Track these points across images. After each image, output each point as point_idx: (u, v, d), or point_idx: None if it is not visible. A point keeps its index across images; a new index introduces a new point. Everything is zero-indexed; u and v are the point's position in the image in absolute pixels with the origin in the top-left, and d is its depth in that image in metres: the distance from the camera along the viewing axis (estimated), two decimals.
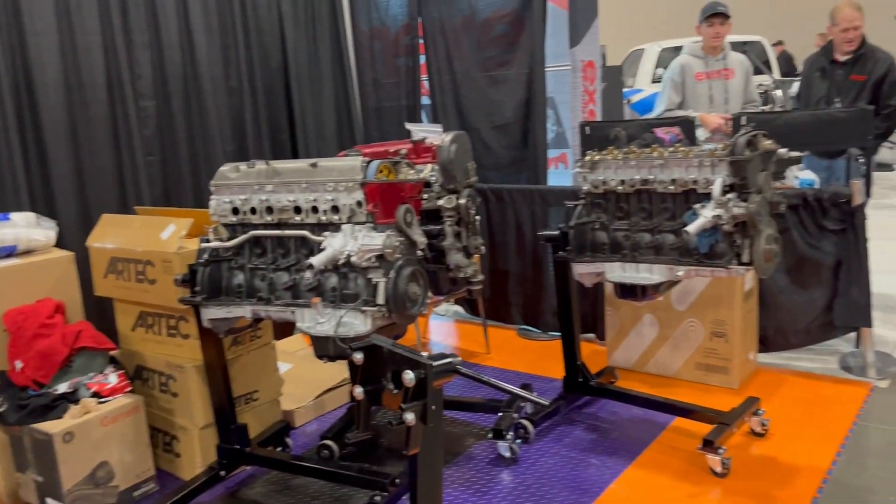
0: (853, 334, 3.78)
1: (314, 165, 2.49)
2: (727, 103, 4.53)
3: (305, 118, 4.83)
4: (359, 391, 1.96)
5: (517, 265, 4.51)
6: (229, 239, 2.64)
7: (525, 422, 3.17)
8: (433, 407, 1.81)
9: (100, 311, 3.39)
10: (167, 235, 2.96)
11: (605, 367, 3.71)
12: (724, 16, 4.43)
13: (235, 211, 2.65)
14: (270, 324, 3.23)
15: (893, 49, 4.37)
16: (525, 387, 3.37)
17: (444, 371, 1.81)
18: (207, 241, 2.64)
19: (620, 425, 3.30)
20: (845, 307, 3.59)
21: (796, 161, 2.95)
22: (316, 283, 2.44)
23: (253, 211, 2.61)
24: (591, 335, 4.26)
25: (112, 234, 3.19)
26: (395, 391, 1.85)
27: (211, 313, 2.67)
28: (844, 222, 3.54)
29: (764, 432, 3.10)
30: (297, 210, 2.52)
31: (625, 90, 9.70)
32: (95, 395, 2.84)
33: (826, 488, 2.72)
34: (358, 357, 1.94)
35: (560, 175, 5.12)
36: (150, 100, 4.00)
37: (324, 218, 2.47)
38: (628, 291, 2.99)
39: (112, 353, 3.02)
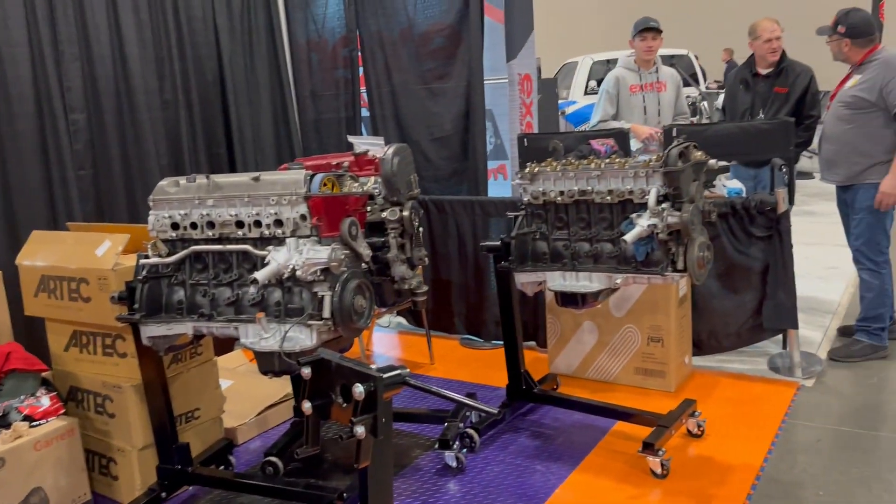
0: (781, 336, 3.95)
1: (257, 179, 2.47)
2: (660, 115, 4.71)
3: (243, 131, 4.78)
4: (307, 406, 1.95)
5: (459, 275, 4.55)
6: (169, 255, 2.59)
7: (471, 431, 3.20)
8: (383, 419, 1.81)
9: (30, 332, 3.27)
10: (102, 252, 2.87)
11: (547, 374, 3.77)
12: (656, 30, 4.61)
13: (175, 226, 2.60)
14: (211, 340, 3.17)
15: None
16: (470, 396, 3.41)
17: (394, 383, 1.83)
18: (146, 257, 2.58)
19: (563, 431, 3.37)
20: (773, 310, 3.75)
21: (725, 170, 3.08)
22: (260, 298, 2.42)
23: (193, 226, 2.57)
24: (533, 343, 4.33)
25: (43, 252, 3.08)
26: (345, 405, 1.85)
27: (150, 331, 2.61)
28: (770, 229, 3.71)
29: (700, 433, 3.21)
30: (240, 224, 2.49)
31: (559, 102, 9.93)
32: (27, 418, 2.74)
33: (759, 485, 2.84)
34: (306, 372, 1.93)
35: (500, 186, 5.20)
36: (80, 113, 3.89)
37: (267, 232, 2.45)
38: (569, 300, 3.06)
39: (44, 374, 2.91)
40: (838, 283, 5.22)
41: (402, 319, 4.93)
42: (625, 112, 4.73)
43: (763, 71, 4.57)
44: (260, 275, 2.30)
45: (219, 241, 2.55)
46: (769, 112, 4.49)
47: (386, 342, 4.82)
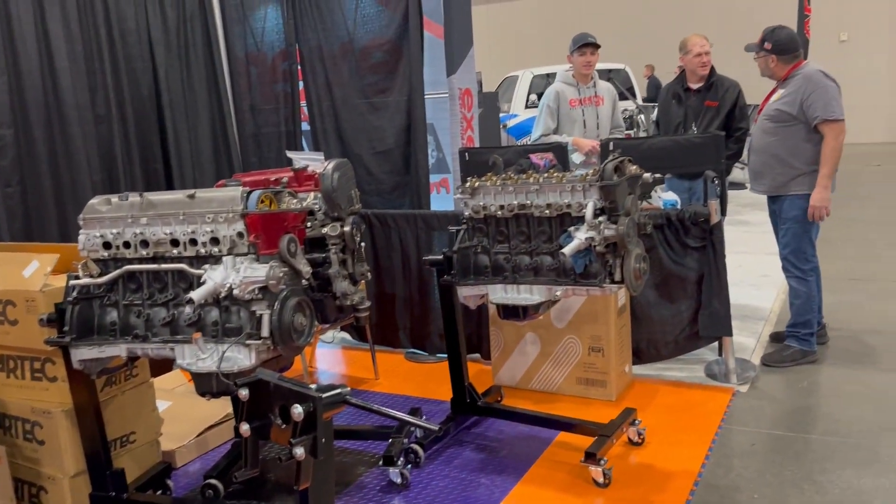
0: (716, 343, 4.06)
1: (192, 197, 2.42)
2: (598, 128, 4.82)
3: (180, 146, 4.69)
4: (245, 428, 1.92)
5: (403, 289, 4.54)
6: (101, 275, 2.51)
7: (415, 446, 3.18)
8: (323, 440, 1.79)
9: None
10: (30, 273, 2.77)
11: (492, 387, 3.79)
12: (594, 45, 4.72)
13: (107, 245, 2.53)
14: (147, 361, 3.08)
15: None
16: (414, 411, 3.41)
17: (334, 402, 1.81)
18: (77, 277, 2.50)
19: (508, 443, 3.39)
20: (708, 319, 3.86)
21: (660, 182, 3.16)
22: (196, 318, 2.37)
23: (126, 245, 2.50)
24: (477, 355, 4.35)
25: None
26: (284, 426, 1.82)
27: (82, 354, 2.52)
28: (704, 240, 3.82)
29: (641, 441, 3.27)
30: (175, 243, 2.44)
31: (501, 115, 10.04)
32: None
33: (697, 490, 2.90)
34: (243, 393, 1.90)
35: (442, 199, 5.22)
36: (7, 128, 3.76)
37: (203, 250, 2.40)
38: (510, 312, 3.09)
39: None
40: (770, 290, 5.40)
41: (345, 335, 4.89)
42: (565, 126, 4.81)
43: (694, 85, 4.72)
44: (195, 294, 2.25)
45: (153, 260, 2.49)
46: (701, 125, 4.64)
47: (330, 358, 4.77)
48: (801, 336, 4.08)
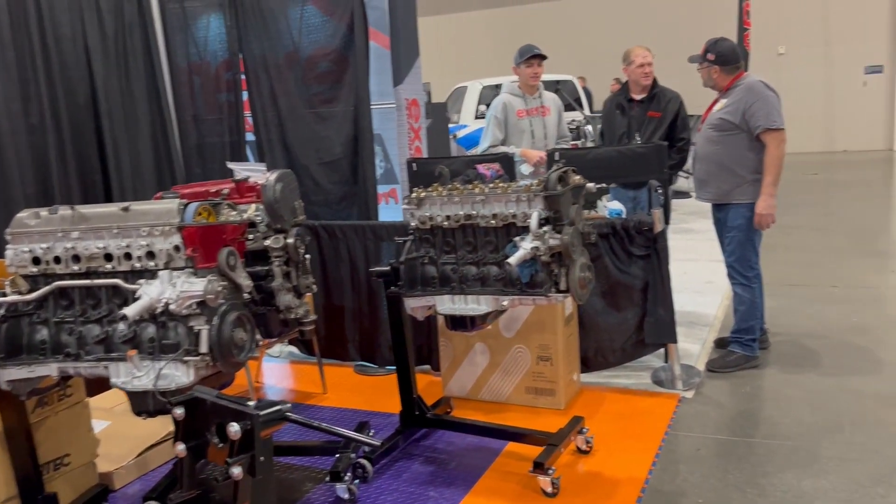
0: (662, 350, 4.11)
1: (126, 209, 2.35)
2: (546, 138, 4.86)
3: (119, 157, 4.56)
4: (181, 448, 1.86)
5: (352, 301, 4.49)
6: (30, 291, 2.41)
7: (363, 461, 3.13)
8: (261, 458, 1.74)
9: None
10: None
11: (441, 398, 3.77)
12: (541, 56, 4.77)
13: (36, 261, 2.43)
14: (82, 380, 2.97)
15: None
16: (362, 425, 3.36)
17: (272, 420, 1.76)
18: (3, 294, 2.40)
19: (457, 455, 3.36)
20: (653, 326, 3.91)
21: (604, 193, 3.20)
22: (131, 335, 2.29)
23: (57, 260, 2.41)
24: (427, 366, 4.32)
25: None
26: (221, 445, 1.76)
27: (10, 374, 2.41)
28: (649, 248, 3.87)
29: (589, 449, 3.28)
30: (108, 257, 2.36)
31: (450, 126, 10.06)
32: None
33: (644, 497, 2.92)
34: (178, 412, 1.83)
35: (391, 210, 5.19)
36: None
37: (138, 265, 2.33)
38: (458, 323, 3.07)
39: None
40: (714, 296, 5.51)
41: (293, 349, 4.81)
42: (513, 137, 4.84)
43: (637, 96, 4.80)
44: (130, 310, 2.17)
45: (86, 275, 2.40)
46: (644, 135, 4.72)
47: (277, 373, 4.68)
48: (744, 342, 4.17)
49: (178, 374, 2.22)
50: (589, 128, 9.56)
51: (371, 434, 3.45)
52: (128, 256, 2.34)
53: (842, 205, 9.44)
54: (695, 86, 4.31)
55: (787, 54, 15.65)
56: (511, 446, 3.34)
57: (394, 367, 3.58)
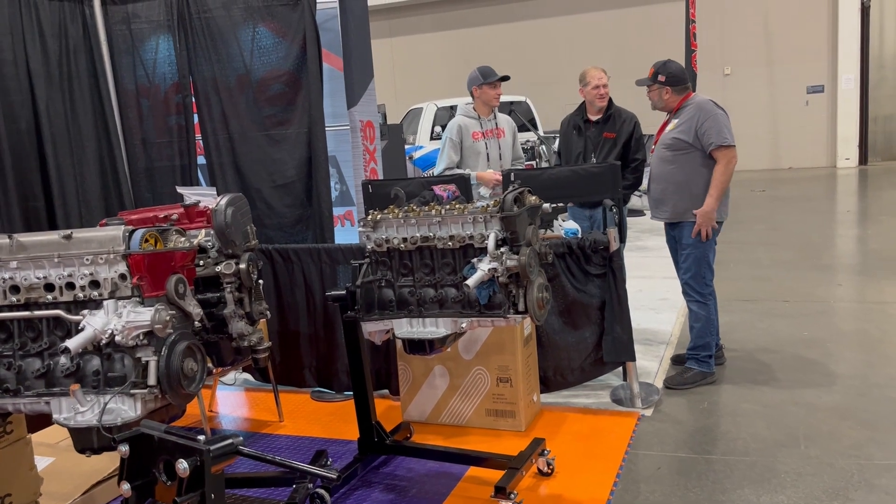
0: (621, 368, 4.12)
1: (68, 237, 2.25)
2: (501, 159, 4.89)
3: (64, 183, 4.41)
4: (126, 488, 1.77)
5: (308, 326, 4.41)
6: None
7: (321, 490, 3.05)
8: (212, 496, 1.67)
9: None
10: None
11: (401, 423, 3.71)
12: (505, 78, 4.81)
13: None
14: (23, 416, 2.83)
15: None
16: (320, 453, 3.28)
17: (224, 454, 1.69)
18: None
19: (417, 481, 3.30)
20: (611, 344, 3.92)
21: (562, 211, 3.21)
22: (74, 368, 2.19)
23: None
24: (386, 391, 4.26)
25: None
26: (169, 482, 1.68)
27: None
28: (605, 267, 3.89)
29: (550, 471, 3.26)
30: (49, 288, 2.26)
31: (406, 147, 10.06)
32: None
33: None
34: (123, 449, 1.75)
35: (347, 232, 5.13)
36: None
37: (81, 295, 2.23)
38: (416, 347, 3.02)
39: None
40: (669, 313, 5.57)
41: (248, 376, 4.69)
42: (469, 159, 4.85)
43: (593, 117, 4.86)
44: (72, 343, 2.08)
45: (25, 306, 2.30)
46: (600, 155, 4.77)
47: (231, 401, 4.56)
48: (700, 358, 4.21)
49: (124, 409, 2.13)
50: (543, 148, 9.65)
51: (329, 462, 3.37)
52: (70, 286, 2.24)
53: (788, 220, 9.69)
54: (647, 106, 4.37)
55: (732, 75, 16.11)
56: (472, 471, 3.30)
57: (351, 393, 3.51)
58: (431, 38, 18.31)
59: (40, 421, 3.08)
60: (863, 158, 15.53)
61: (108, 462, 3.29)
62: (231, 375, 4.69)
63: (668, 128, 4.18)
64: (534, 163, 9.28)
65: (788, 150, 16.04)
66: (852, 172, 14.72)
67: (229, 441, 1.72)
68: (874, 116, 15.68)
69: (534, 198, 2.96)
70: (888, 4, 15.59)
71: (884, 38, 15.71)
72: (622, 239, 4.93)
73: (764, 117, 15.97)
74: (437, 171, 5.02)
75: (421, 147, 10.42)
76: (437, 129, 10.58)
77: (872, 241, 8.20)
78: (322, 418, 4.13)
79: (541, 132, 10.92)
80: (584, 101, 4.93)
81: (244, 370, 4.60)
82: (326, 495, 3.05)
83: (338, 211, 5.05)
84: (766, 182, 13.76)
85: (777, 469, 3.18)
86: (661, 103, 4.20)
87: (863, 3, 14.96)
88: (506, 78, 4.84)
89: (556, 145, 9.79)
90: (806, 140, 15.86)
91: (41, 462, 3.07)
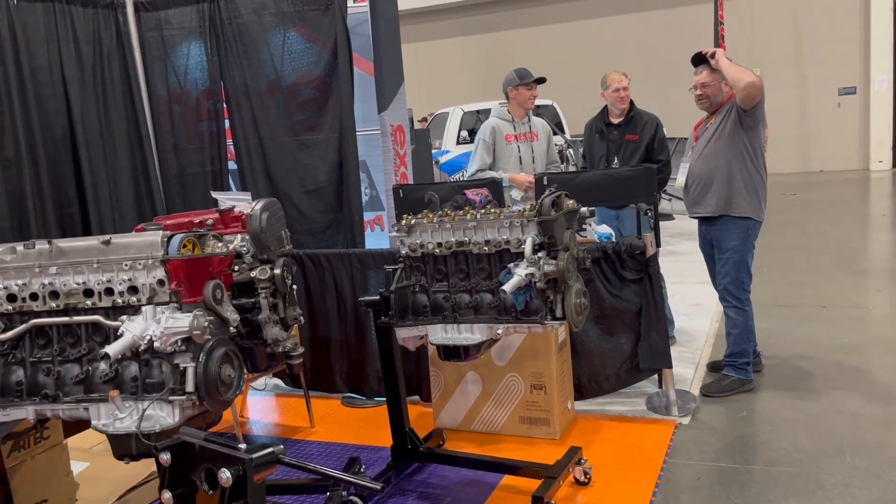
0: (657, 375, 4.04)
1: (107, 243, 2.25)
2: (534, 163, 4.86)
3: (98, 189, 4.45)
4: (167, 497, 1.75)
5: (339, 331, 4.39)
6: (4, 330, 2.30)
7: (355, 498, 3.01)
8: None
9: None
10: None
11: (433, 430, 3.67)
12: (541, 80, 4.79)
13: (12, 298, 2.31)
14: (60, 422, 2.84)
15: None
16: (353, 461, 3.26)
17: (265, 463, 1.66)
18: None
19: (452, 490, 3.26)
20: (647, 351, 3.85)
21: (591, 215, 3.15)
22: (113, 374, 2.18)
23: (34, 297, 2.30)
24: (417, 397, 4.22)
25: None
26: (211, 492, 1.66)
27: None
28: (641, 272, 3.82)
29: (587, 480, 3.19)
30: (88, 293, 2.25)
31: (433, 151, 10.05)
32: None
33: None
34: (164, 458, 1.73)
35: (377, 237, 5.12)
36: None
37: (120, 300, 2.22)
38: (451, 353, 2.98)
39: None
40: (703, 319, 5.47)
41: (278, 381, 4.68)
42: (501, 161, 4.84)
43: (615, 120, 4.81)
44: (111, 349, 2.07)
45: (64, 312, 2.29)
46: (623, 158, 4.72)
47: (262, 406, 4.56)
48: (738, 365, 4.12)
49: (162, 415, 2.12)
50: (570, 151, 9.58)
51: (362, 469, 3.35)
52: (109, 292, 2.24)
53: (822, 224, 9.51)
54: (672, 108, 4.30)
55: (762, 76, 15.85)
56: (507, 479, 3.25)
57: (382, 399, 3.49)
58: (456, 43, 18.31)
59: (75, 425, 3.09)
60: None
61: (143, 467, 3.29)
62: (262, 381, 4.69)
63: (711, 124, 4.07)
64: (562, 166, 9.21)
65: (820, 152, 15.77)
66: (886, 175, 14.44)
67: (271, 450, 1.69)
68: None
69: (571, 202, 2.92)
70: None
71: None
72: (657, 243, 4.87)
73: (795, 120, 15.73)
74: (469, 172, 5.01)
75: (447, 151, 10.40)
76: (464, 133, 10.55)
77: None
78: (353, 424, 4.11)
79: (568, 135, 10.85)
80: (605, 105, 4.88)
81: (275, 375, 4.60)
82: (360, 503, 3.02)
83: (368, 216, 5.04)
84: (798, 185, 13.54)
85: (822, 481, 3.09)
86: (720, 97, 4.07)
87: (895, 3, 14.70)
88: (542, 80, 4.83)
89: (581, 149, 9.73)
90: (838, 143, 15.59)
91: (76, 467, 3.08)
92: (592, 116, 5.05)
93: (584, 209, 2.96)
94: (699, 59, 4.09)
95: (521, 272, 2.74)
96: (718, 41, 12.49)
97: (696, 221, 4.26)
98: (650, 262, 3.79)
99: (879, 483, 3.03)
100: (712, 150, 4.02)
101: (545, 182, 3.95)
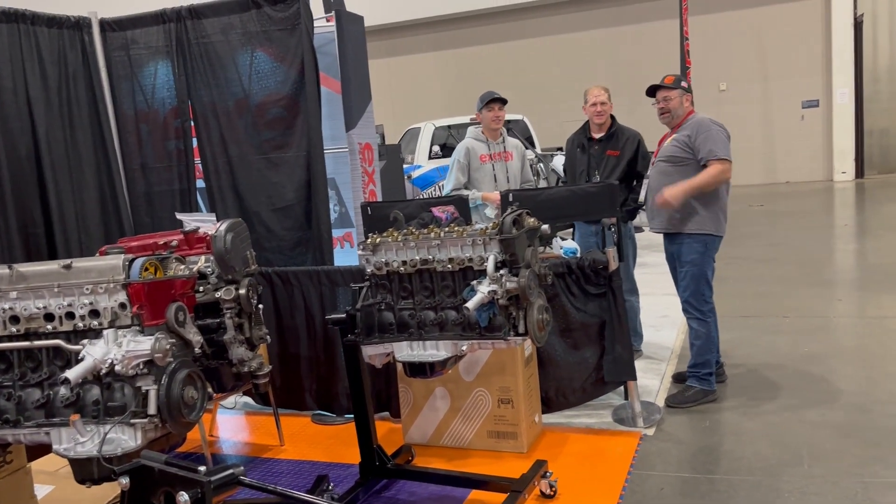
0: (622, 387, 4.11)
1: (68, 267, 2.26)
2: (509, 182, 4.95)
3: (64, 209, 4.42)
4: None
5: (308, 349, 4.39)
6: None
7: None
8: None
9: None
10: None
11: (402, 446, 3.69)
12: (501, 101, 4.89)
13: None
14: (23, 446, 2.82)
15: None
16: (321, 479, 3.26)
17: (225, 485, 1.68)
18: None
19: None
20: (612, 364, 3.91)
21: (553, 233, 3.21)
22: (74, 398, 2.19)
23: None
24: (386, 413, 4.24)
25: None
26: None
27: None
28: (604, 286, 3.88)
29: (553, 493, 3.23)
30: (49, 317, 2.26)
31: (405, 166, 10.09)
32: None
33: None
34: (124, 482, 1.74)
35: (347, 254, 5.14)
36: None
37: (81, 324, 2.23)
38: (417, 370, 3.02)
39: None
40: (670, 330, 5.56)
41: (248, 399, 4.67)
42: (476, 181, 4.95)
43: (596, 135, 4.88)
44: (72, 373, 2.07)
45: (25, 336, 2.30)
46: (603, 173, 4.78)
47: (232, 425, 4.54)
48: (701, 376, 4.20)
49: (124, 438, 2.13)
50: (541, 165, 9.68)
51: (330, 487, 3.35)
52: (70, 316, 2.25)
53: (787, 235, 9.70)
54: (639, 122, 4.40)
55: (728, 90, 16.21)
56: (475, 494, 3.28)
57: (352, 416, 3.50)
58: (428, 58, 18.42)
59: (39, 449, 3.06)
60: (859, 172, 15.59)
61: (109, 490, 3.26)
62: (231, 399, 4.68)
63: (668, 142, 4.19)
64: (535, 179, 9.30)
65: (785, 164, 16.11)
66: (849, 186, 14.78)
67: (230, 471, 1.71)
68: (869, 130, 15.76)
69: (532, 220, 2.98)
70: (881, 18, 15.73)
71: (877, 52, 15.83)
72: (633, 256, 4.96)
73: (760, 132, 16.06)
74: (444, 192, 5.10)
75: (419, 166, 10.45)
76: (436, 148, 10.61)
77: (871, 255, 8.22)
78: (323, 442, 4.11)
79: (538, 150, 10.95)
80: (588, 120, 4.97)
81: (244, 394, 4.59)
82: None
83: (337, 233, 5.06)
84: (764, 197, 13.80)
85: (781, 489, 3.16)
86: (681, 111, 4.17)
87: (855, 18, 15.09)
88: (499, 100, 4.89)
89: (553, 163, 9.84)
90: (802, 154, 15.94)
91: (41, 490, 3.06)
92: (572, 132, 5.12)
93: (545, 227, 3.02)
94: (653, 90, 4.20)
95: (483, 289, 2.79)
96: (684, 56, 12.75)
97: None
98: (613, 277, 3.86)
99: (836, 490, 3.11)
100: (668, 169, 4.12)
101: (510, 199, 4.01)
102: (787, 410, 3.99)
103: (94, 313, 2.22)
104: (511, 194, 4.14)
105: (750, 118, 15.82)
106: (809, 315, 5.79)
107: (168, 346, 2.15)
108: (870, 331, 5.33)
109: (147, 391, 2.12)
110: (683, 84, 4.21)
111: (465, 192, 4.84)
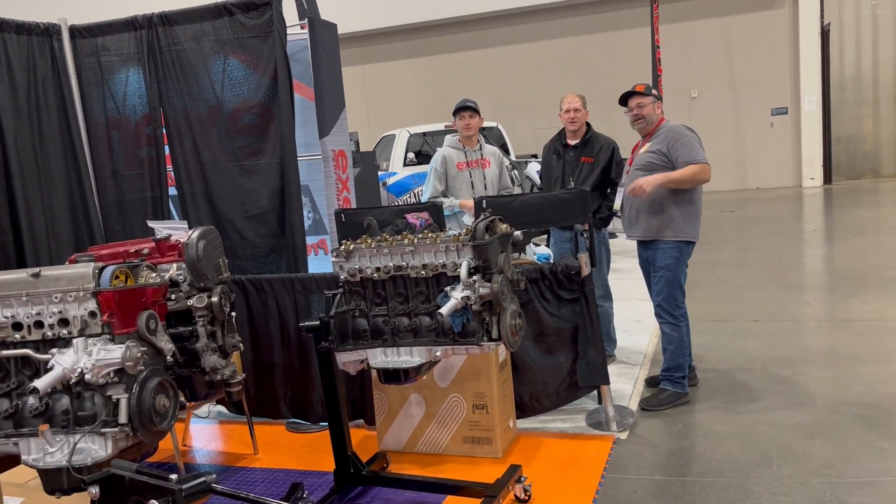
0: (596, 391, 4.14)
1: (36, 276, 2.24)
2: (486, 189, 4.99)
3: (33, 218, 4.37)
4: None
5: (282, 356, 4.37)
6: None
7: None
8: None
9: None
10: None
11: (377, 453, 3.68)
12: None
13: None
14: None
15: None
16: (295, 486, 3.24)
17: (196, 493, 1.67)
18: None
19: None
20: (585, 368, 3.94)
21: (527, 241, 3.24)
22: (43, 408, 2.16)
23: None
24: (361, 420, 4.23)
25: None
26: None
27: None
28: (577, 292, 3.92)
29: (527, 498, 3.25)
30: (17, 327, 2.23)
31: (380, 173, 10.09)
32: None
33: None
34: (93, 492, 1.73)
35: (321, 261, 5.13)
36: None
37: (50, 333, 2.21)
38: (391, 376, 3.03)
39: None
40: (643, 335, 5.62)
41: (222, 408, 4.64)
42: (454, 188, 4.98)
43: (571, 142, 4.93)
44: (40, 383, 2.06)
45: None
46: (578, 180, 4.83)
47: (205, 434, 4.50)
48: (674, 379, 4.25)
49: (95, 448, 2.11)
50: (515, 172, 9.75)
51: (305, 495, 3.33)
52: (39, 325, 2.22)
53: (757, 240, 9.86)
54: (613, 130, 4.45)
55: (699, 98, 16.45)
56: (450, 500, 3.28)
57: (326, 424, 3.49)
58: (403, 65, 18.46)
59: (8, 460, 3.02)
60: (827, 178, 15.90)
61: (79, 500, 3.22)
62: (205, 408, 4.64)
63: (643, 149, 4.24)
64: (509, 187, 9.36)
65: (755, 170, 16.38)
66: (817, 192, 15.05)
67: (202, 479, 1.71)
68: (837, 137, 16.09)
69: (505, 226, 3.00)
70: (847, 28, 16.08)
71: (844, 61, 16.17)
72: (607, 262, 5.01)
73: (731, 139, 16.32)
74: (424, 199, 5.12)
75: (394, 173, 10.46)
76: (410, 155, 10.64)
77: (839, 259, 8.37)
78: (297, 450, 4.09)
79: (513, 156, 11.02)
80: (563, 127, 5.01)
81: (218, 402, 4.55)
82: None
83: (311, 240, 5.05)
84: (735, 203, 14.01)
85: (751, 490, 3.21)
86: (654, 118, 4.23)
87: (822, 27, 15.41)
88: (467, 109, 4.92)
89: (527, 169, 9.91)
90: (772, 161, 16.22)
91: (10, 502, 3.00)
92: (548, 138, 5.16)
93: (517, 233, 3.05)
94: (625, 98, 4.26)
95: (457, 295, 2.80)
96: (656, 64, 12.92)
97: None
98: (585, 282, 3.90)
99: (804, 490, 3.17)
100: (643, 176, 4.17)
101: (483, 206, 4.04)
102: (757, 412, 4.05)
103: (64, 322, 2.20)
104: (484, 201, 4.17)
105: (721, 125, 16.07)
106: (779, 318, 5.89)
107: (139, 355, 2.14)
108: (837, 333, 5.43)
109: (118, 400, 2.11)
110: (654, 92, 4.28)
111: (443, 200, 4.87)
